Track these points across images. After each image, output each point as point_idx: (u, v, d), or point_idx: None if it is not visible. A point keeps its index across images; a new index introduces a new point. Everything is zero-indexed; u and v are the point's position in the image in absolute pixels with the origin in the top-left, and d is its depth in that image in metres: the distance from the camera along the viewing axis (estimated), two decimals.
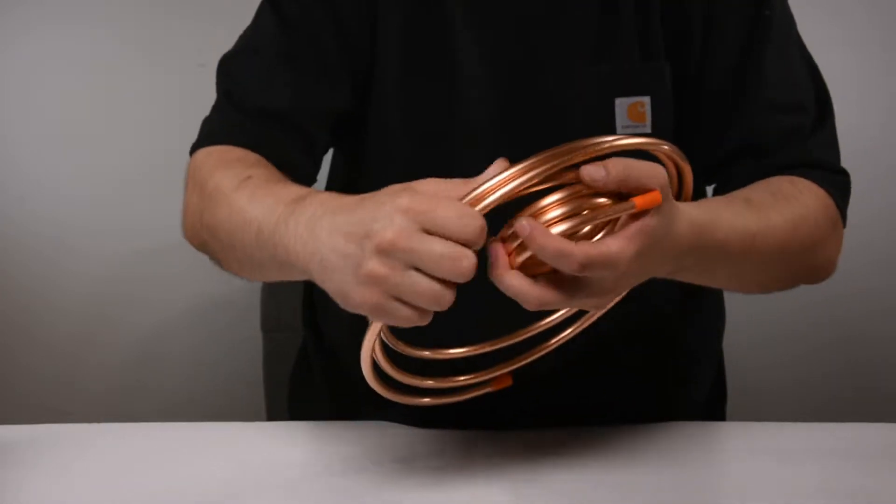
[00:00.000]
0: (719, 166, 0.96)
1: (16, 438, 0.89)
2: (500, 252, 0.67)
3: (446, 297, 0.64)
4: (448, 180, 0.67)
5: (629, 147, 0.68)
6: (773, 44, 0.95)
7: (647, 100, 0.93)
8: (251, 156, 0.90)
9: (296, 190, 0.78)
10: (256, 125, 0.93)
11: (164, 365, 1.67)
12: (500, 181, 0.65)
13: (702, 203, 0.81)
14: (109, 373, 1.66)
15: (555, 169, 0.66)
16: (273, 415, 1.31)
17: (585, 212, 0.66)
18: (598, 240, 0.67)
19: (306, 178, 0.94)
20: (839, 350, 1.66)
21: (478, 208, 0.65)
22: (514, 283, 0.67)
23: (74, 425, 0.92)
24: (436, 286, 0.64)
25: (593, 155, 0.66)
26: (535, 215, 0.66)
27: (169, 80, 1.59)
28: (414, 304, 0.65)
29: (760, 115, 0.94)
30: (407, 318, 0.65)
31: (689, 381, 1.05)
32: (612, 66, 0.93)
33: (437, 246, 0.63)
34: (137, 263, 1.63)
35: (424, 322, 0.66)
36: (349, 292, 0.66)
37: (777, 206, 0.86)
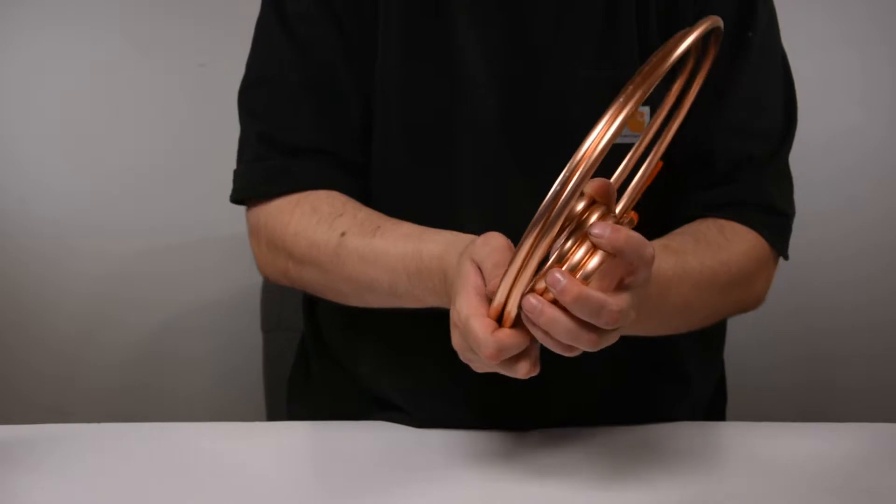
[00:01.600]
0: (679, 180, 0.96)
1: (16, 438, 0.89)
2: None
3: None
4: (493, 248, 0.72)
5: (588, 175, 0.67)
6: (751, 67, 0.95)
7: (646, 110, 0.93)
8: (319, 200, 0.93)
9: (405, 244, 0.85)
10: (299, 163, 0.95)
11: (165, 365, 1.67)
12: (508, 281, 0.66)
13: (661, 254, 0.80)
14: (109, 373, 1.65)
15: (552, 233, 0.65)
16: (273, 415, 1.31)
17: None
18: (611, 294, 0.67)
19: (360, 192, 0.97)
20: (839, 350, 1.66)
21: (508, 308, 0.67)
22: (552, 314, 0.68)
23: (74, 425, 0.92)
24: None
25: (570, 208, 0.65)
26: (564, 262, 0.67)
27: (169, 80, 1.59)
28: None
29: (722, 138, 0.95)
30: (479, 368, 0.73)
31: (689, 382, 1.04)
32: (612, 73, 0.93)
33: (479, 361, 0.70)
34: (137, 263, 1.63)
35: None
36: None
37: (697, 250, 0.89)
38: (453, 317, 0.71)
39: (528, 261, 0.65)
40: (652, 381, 1.01)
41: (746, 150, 0.95)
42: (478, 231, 0.95)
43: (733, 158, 0.95)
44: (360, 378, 1.04)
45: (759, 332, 1.58)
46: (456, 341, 0.71)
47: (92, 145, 1.60)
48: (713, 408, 1.10)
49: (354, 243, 0.88)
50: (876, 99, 1.59)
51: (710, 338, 1.07)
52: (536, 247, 0.64)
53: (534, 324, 0.67)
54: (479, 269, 0.71)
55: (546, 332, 0.67)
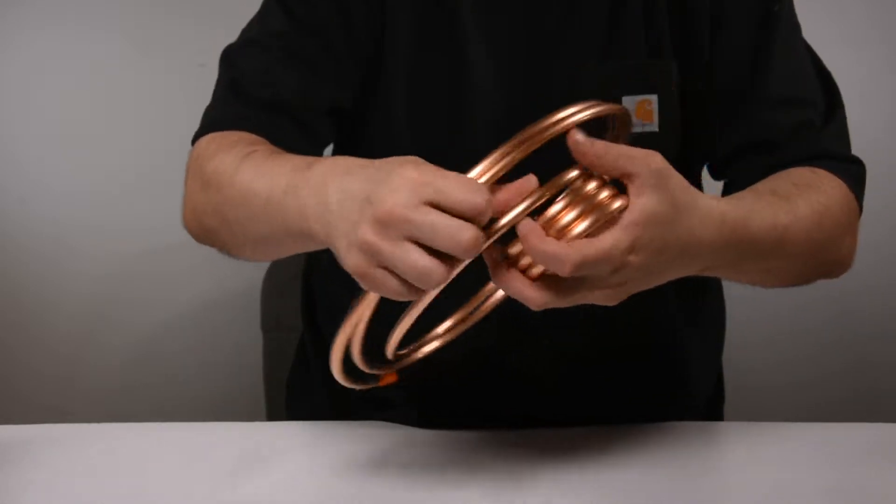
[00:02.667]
0: (729, 163, 0.96)
1: (16, 438, 0.89)
2: (497, 254, 0.66)
3: (436, 274, 0.62)
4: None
5: (586, 118, 0.68)
6: (781, 39, 0.95)
7: (654, 98, 0.93)
8: (252, 136, 0.89)
9: (302, 158, 0.77)
10: (261, 115, 0.92)
11: (164, 365, 1.67)
12: (500, 158, 0.65)
13: (732, 198, 0.80)
14: (109, 373, 1.66)
15: (532, 146, 0.66)
16: (273, 415, 1.31)
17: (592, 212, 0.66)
18: (595, 237, 0.66)
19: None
20: (839, 350, 1.66)
21: (482, 180, 0.64)
22: (514, 284, 0.66)
23: (74, 425, 0.92)
24: (427, 260, 0.62)
25: (560, 130, 0.67)
26: (549, 222, 0.65)
27: (169, 80, 1.59)
28: (404, 276, 0.63)
29: (770, 111, 0.94)
30: (394, 290, 0.64)
31: (688, 384, 1.04)
32: (620, 64, 0.93)
33: (436, 218, 0.61)
34: (137, 263, 1.63)
35: (412, 298, 0.64)
36: (344, 256, 0.65)
37: (802, 195, 0.85)
38: (413, 179, 0.63)
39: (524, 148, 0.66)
40: (651, 379, 1.01)
41: (799, 116, 0.94)
42: None
43: (789, 126, 0.94)
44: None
45: (759, 332, 1.58)
46: (390, 204, 0.62)
47: (92, 145, 1.60)
48: (711, 406, 1.11)
49: (256, 160, 0.81)
50: (875, 99, 1.59)
51: (711, 335, 1.07)
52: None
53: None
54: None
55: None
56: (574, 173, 0.67)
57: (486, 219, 0.63)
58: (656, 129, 0.93)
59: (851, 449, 0.88)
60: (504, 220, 0.64)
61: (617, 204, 0.66)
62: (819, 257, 0.87)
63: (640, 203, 0.66)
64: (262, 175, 0.78)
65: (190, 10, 1.57)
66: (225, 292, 1.64)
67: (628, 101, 0.93)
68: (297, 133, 0.93)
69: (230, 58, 0.97)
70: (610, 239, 0.65)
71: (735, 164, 0.96)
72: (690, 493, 0.80)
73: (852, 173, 0.94)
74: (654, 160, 0.67)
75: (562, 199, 0.66)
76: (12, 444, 0.88)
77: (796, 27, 0.98)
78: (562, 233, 0.65)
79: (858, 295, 1.63)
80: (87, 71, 1.59)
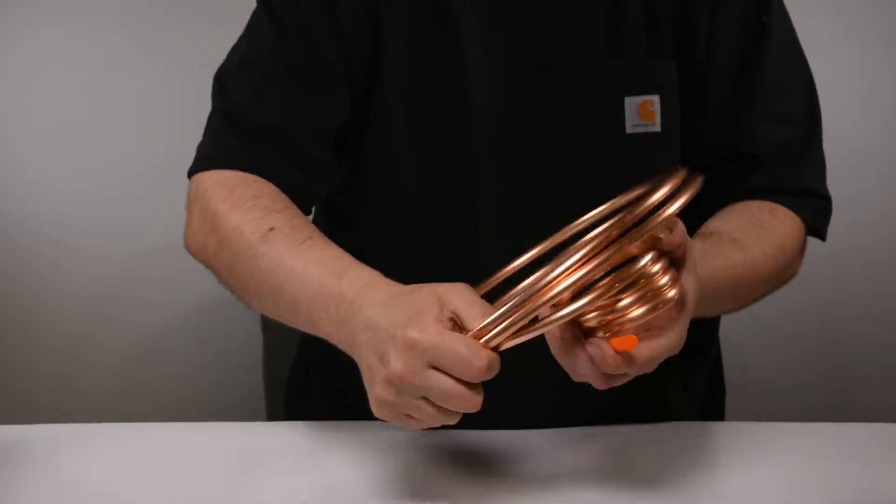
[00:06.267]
0: (713, 170, 0.97)
1: (16, 438, 0.89)
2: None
3: (453, 419, 0.69)
4: (472, 295, 0.70)
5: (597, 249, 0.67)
6: (772, 52, 0.95)
7: (656, 98, 0.93)
8: (264, 189, 0.90)
9: (328, 260, 0.80)
10: (256, 146, 0.92)
11: (164, 365, 1.67)
12: (511, 309, 0.66)
13: (697, 252, 0.81)
14: (109, 373, 1.65)
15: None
16: (273, 415, 1.31)
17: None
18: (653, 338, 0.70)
19: (308, 198, 0.95)
20: (839, 350, 1.66)
21: (487, 339, 0.67)
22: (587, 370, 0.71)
23: (74, 425, 0.92)
24: (441, 414, 0.68)
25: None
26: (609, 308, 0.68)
27: (169, 80, 1.59)
28: (423, 421, 0.70)
29: (754, 124, 0.96)
30: (419, 426, 0.71)
31: (687, 371, 1.04)
32: (620, 64, 0.93)
33: (444, 383, 0.66)
34: (137, 263, 1.63)
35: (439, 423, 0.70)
36: (369, 398, 0.72)
37: (759, 241, 0.91)
38: (411, 334, 0.67)
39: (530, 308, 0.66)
40: (651, 378, 1.01)
41: (781, 135, 0.97)
42: (492, 234, 0.95)
43: (769, 144, 0.97)
44: (359, 378, 1.04)
45: (759, 332, 1.58)
46: (399, 369, 0.67)
47: (92, 145, 1.60)
48: (711, 401, 1.11)
49: (278, 243, 0.83)
50: (875, 99, 1.59)
51: (704, 328, 1.07)
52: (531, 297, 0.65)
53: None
54: (448, 308, 0.69)
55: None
56: (646, 259, 0.68)
57: (491, 375, 0.66)
58: (658, 129, 0.93)
59: (852, 449, 0.88)
60: (568, 311, 0.66)
61: (672, 293, 0.69)
62: (768, 290, 0.95)
63: (689, 290, 0.71)
64: (287, 271, 0.81)
65: (190, 10, 1.57)
66: (225, 292, 1.63)
67: (630, 102, 0.93)
68: (294, 163, 0.93)
69: (222, 83, 0.96)
70: (673, 335, 0.70)
71: (716, 172, 0.97)
72: (691, 493, 0.80)
73: (817, 210, 0.98)
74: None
75: (621, 284, 0.67)
76: (12, 444, 0.88)
77: (790, 41, 0.99)
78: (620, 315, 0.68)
79: (860, 295, 1.63)
80: (87, 71, 1.58)
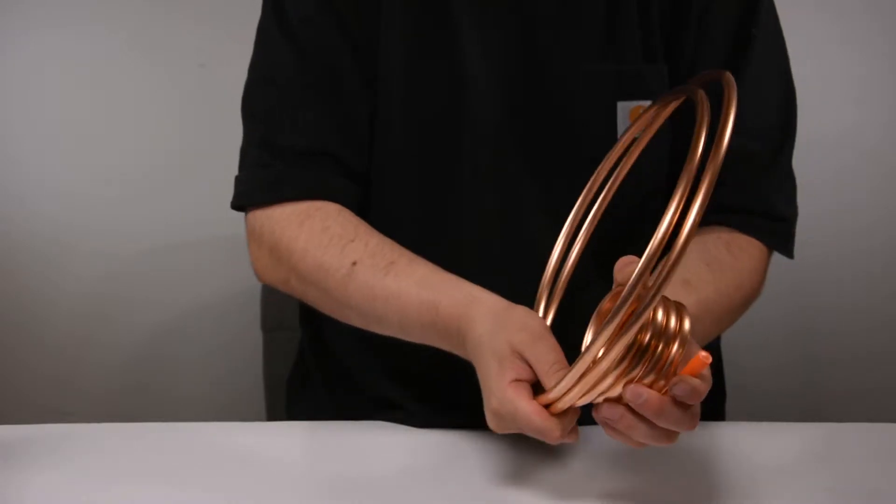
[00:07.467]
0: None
1: (16, 438, 0.89)
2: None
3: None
4: (542, 343, 0.74)
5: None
6: (752, 65, 0.95)
7: (648, 104, 0.93)
8: (330, 215, 0.92)
9: (419, 293, 0.84)
10: (303, 170, 0.94)
11: (164, 365, 1.67)
12: (582, 378, 0.69)
13: None
14: (109, 373, 1.65)
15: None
16: (273, 415, 1.31)
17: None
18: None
19: (360, 198, 0.97)
20: (840, 350, 1.66)
21: (563, 403, 0.70)
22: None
23: (74, 425, 0.92)
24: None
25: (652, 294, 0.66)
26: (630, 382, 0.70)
27: (169, 80, 1.59)
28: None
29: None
30: None
31: None
32: (615, 67, 0.93)
33: (531, 430, 0.73)
34: (137, 263, 1.63)
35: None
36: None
37: (714, 279, 0.90)
38: (493, 404, 0.74)
39: (596, 366, 0.67)
40: None
41: (747, 149, 0.95)
42: (482, 232, 0.95)
43: (733, 157, 0.95)
44: (360, 378, 1.04)
45: (759, 333, 1.58)
46: (492, 413, 0.75)
47: (92, 145, 1.60)
48: (712, 404, 1.10)
49: (366, 276, 0.87)
50: (874, 98, 1.59)
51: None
52: (605, 354, 0.67)
53: (612, 427, 0.72)
54: (523, 358, 0.74)
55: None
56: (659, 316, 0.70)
57: (569, 439, 0.74)
58: (650, 134, 0.93)
59: (852, 449, 0.88)
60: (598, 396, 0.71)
61: (686, 326, 0.70)
62: (725, 324, 0.94)
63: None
64: (383, 303, 0.86)
65: (190, 10, 1.57)
66: (225, 292, 1.64)
67: (623, 107, 0.93)
68: (340, 173, 0.95)
69: (250, 109, 0.97)
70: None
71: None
72: (691, 493, 0.80)
73: (777, 233, 0.97)
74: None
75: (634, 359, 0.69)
76: (12, 444, 0.88)
77: (775, 55, 0.98)
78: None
79: (860, 296, 1.63)
80: (87, 71, 1.58)
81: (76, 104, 1.59)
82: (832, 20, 1.56)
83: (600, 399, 0.71)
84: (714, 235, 0.94)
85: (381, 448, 0.88)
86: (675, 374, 0.69)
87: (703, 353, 0.68)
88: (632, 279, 0.65)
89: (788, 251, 0.98)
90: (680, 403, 0.69)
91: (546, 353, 0.73)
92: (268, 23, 0.98)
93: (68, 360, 1.65)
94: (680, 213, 0.66)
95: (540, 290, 0.86)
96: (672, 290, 0.84)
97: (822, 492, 0.80)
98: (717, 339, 1.11)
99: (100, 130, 1.60)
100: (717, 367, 1.12)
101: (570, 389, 0.69)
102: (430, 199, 0.97)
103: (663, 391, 0.69)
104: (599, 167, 0.87)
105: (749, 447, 0.88)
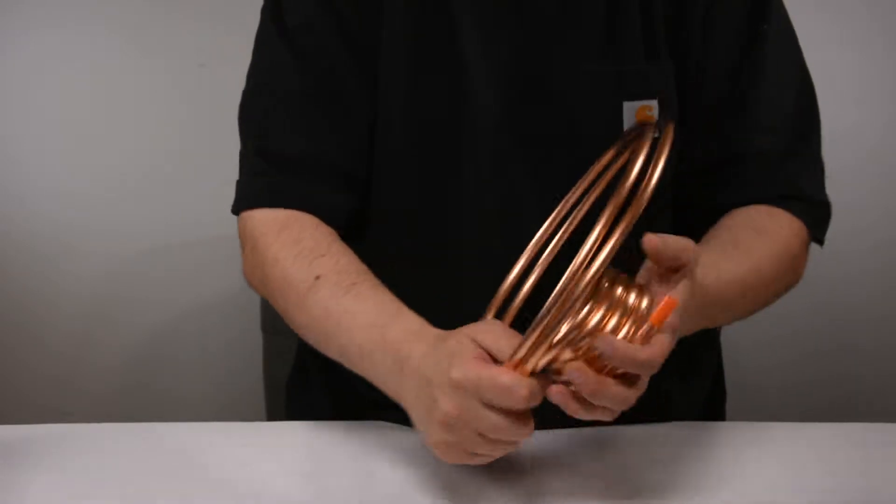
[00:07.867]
0: (706, 174, 0.97)
1: (16, 438, 0.89)
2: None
3: (512, 448, 0.73)
4: (500, 329, 0.74)
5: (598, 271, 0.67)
6: (767, 60, 0.95)
7: (654, 103, 0.93)
8: (306, 229, 0.92)
9: (373, 314, 0.83)
10: (296, 180, 0.94)
11: (164, 365, 1.67)
12: (540, 333, 0.68)
13: (702, 261, 0.81)
14: (109, 373, 1.66)
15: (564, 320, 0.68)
16: (273, 415, 1.31)
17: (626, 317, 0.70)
18: (647, 342, 0.70)
19: (357, 213, 0.97)
20: (840, 350, 1.66)
21: (523, 366, 0.69)
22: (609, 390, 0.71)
23: (74, 425, 0.92)
24: (498, 446, 0.72)
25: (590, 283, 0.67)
26: (598, 331, 0.69)
27: (169, 80, 1.59)
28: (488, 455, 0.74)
29: (749, 133, 0.96)
30: (487, 461, 0.75)
31: (689, 373, 1.04)
32: (617, 66, 0.93)
33: (493, 417, 0.70)
34: (137, 263, 1.63)
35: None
36: (432, 447, 0.75)
37: (762, 245, 0.91)
38: (455, 375, 0.71)
39: (554, 327, 0.67)
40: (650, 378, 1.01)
41: (774, 145, 0.96)
42: (483, 234, 0.95)
43: (761, 154, 0.96)
44: (358, 379, 1.04)
45: (759, 332, 1.58)
46: (452, 409, 0.71)
47: (92, 145, 1.60)
48: (712, 402, 1.10)
49: (325, 294, 0.86)
50: (874, 98, 1.59)
51: (703, 332, 1.07)
52: (561, 318, 0.67)
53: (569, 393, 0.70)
54: (480, 345, 0.73)
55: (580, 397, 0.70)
56: (621, 290, 0.71)
57: (536, 401, 0.69)
58: (657, 134, 0.93)
59: (852, 449, 0.88)
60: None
61: (644, 304, 0.70)
62: (776, 293, 0.95)
63: (682, 295, 0.72)
64: (335, 322, 0.85)
65: (190, 10, 1.57)
66: (225, 292, 1.64)
67: (629, 107, 0.93)
68: (337, 185, 0.95)
69: (249, 116, 0.97)
70: (667, 340, 0.70)
71: (710, 177, 0.97)
72: (691, 493, 0.80)
73: (814, 215, 0.98)
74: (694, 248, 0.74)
75: (600, 309, 0.70)
76: (12, 444, 0.88)
77: (789, 47, 0.98)
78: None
79: (861, 296, 1.63)
80: (87, 71, 1.58)
81: (76, 104, 1.59)
82: (832, 20, 1.56)
83: (566, 355, 0.69)
84: (755, 208, 0.95)
85: (381, 448, 0.88)
86: (643, 319, 0.70)
87: (672, 296, 0.69)
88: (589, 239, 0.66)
89: (822, 235, 0.99)
90: (624, 379, 0.70)
91: (503, 333, 0.73)
92: (266, 29, 0.98)
93: (68, 360, 1.65)
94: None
95: (490, 304, 0.86)
96: (727, 254, 0.88)
97: (821, 492, 0.80)
98: (718, 339, 1.11)
99: (100, 130, 1.60)
100: (717, 367, 1.12)
101: (534, 341, 0.68)
102: (431, 199, 0.97)
103: (632, 338, 0.70)
104: (567, 196, 0.87)
105: (749, 447, 0.88)
